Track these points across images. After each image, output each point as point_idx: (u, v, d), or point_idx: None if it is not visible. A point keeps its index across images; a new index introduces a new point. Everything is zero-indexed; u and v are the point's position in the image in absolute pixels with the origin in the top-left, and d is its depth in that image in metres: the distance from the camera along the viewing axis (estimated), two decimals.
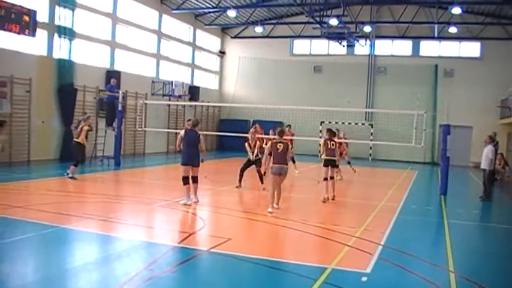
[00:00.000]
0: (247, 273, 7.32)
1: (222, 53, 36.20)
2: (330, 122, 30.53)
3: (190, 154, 12.24)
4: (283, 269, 7.29)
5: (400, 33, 32.16)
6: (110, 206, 11.90)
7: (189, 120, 13.05)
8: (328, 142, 13.70)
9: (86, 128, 15.72)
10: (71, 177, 15.21)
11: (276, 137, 12.21)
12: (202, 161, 12.45)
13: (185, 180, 12.20)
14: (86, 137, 15.78)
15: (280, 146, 11.76)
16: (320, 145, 13.24)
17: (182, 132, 12.52)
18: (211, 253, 7.93)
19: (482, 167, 15.84)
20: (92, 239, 8.79)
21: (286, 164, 11.90)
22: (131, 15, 26.14)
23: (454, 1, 24.96)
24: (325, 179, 13.53)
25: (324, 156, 13.67)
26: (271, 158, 12.03)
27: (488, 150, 15.59)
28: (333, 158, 13.66)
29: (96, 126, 21.95)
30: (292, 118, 27.89)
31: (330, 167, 13.63)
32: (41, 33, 19.59)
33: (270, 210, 11.37)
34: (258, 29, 32.71)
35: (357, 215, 12.46)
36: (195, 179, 12.38)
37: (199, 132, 12.53)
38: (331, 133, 14.06)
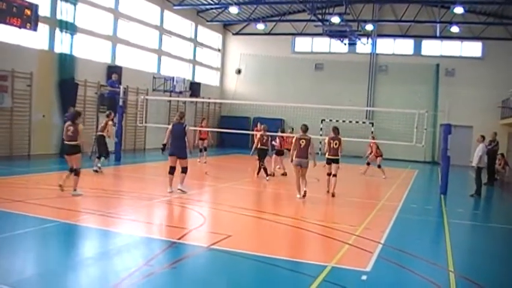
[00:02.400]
0: (246, 270, 7.32)
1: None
2: (330, 120, 30.51)
3: (176, 146, 13.01)
4: (283, 266, 7.27)
5: (402, 32, 32.13)
6: (109, 201, 11.89)
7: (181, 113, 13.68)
8: (331, 142, 14.57)
9: (110, 123, 16.75)
10: (95, 171, 15.91)
11: (301, 133, 13.38)
12: (191, 153, 13.44)
13: (171, 170, 13.08)
14: (108, 131, 16.63)
15: (303, 142, 13.11)
16: (325, 143, 15.07)
17: (170, 126, 13.30)
18: (211, 249, 7.92)
19: (474, 164, 16.17)
20: (91, 234, 8.79)
21: (306, 158, 13.14)
22: (133, 11, 26.12)
23: (456, 0, 24.92)
24: (328, 174, 14.67)
25: (326, 155, 14.73)
26: (294, 152, 13.26)
27: (478, 148, 15.85)
28: (334, 157, 14.59)
29: (96, 121, 21.98)
30: (292, 115, 27.90)
31: (332, 164, 14.59)
32: (43, 28, 19.55)
33: (298, 196, 13.06)
34: (260, 26, 32.69)
35: (357, 213, 12.46)
36: (184, 170, 13.06)
37: (186, 124, 13.28)
38: (335, 131, 14.88)
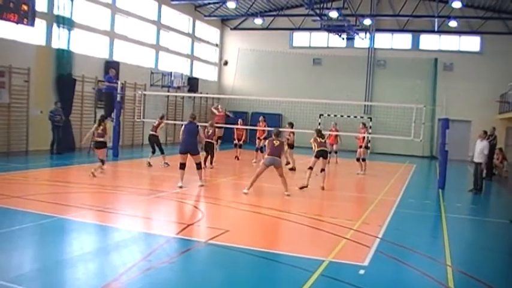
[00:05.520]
0: (244, 264, 7.33)
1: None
2: (328, 115, 30.58)
3: (188, 143, 13.51)
4: (281, 261, 7.29)
5: (400, 26, 32.07)
6: (107, 196, 11.90)
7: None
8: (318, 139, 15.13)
9: (162, 124, 18.33)
10: (165, 163, 17.41)
11: (273, 136, 13.44)
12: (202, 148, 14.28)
13: (181, 166, 13.44)
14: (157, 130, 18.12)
15: (276, 142, 13.15)
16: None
17: (182, 127, 13.97)
18: (209, 244, 7.93)
19: (476, 160, 15.83)
20: (89, 230, 8.78)
21: (279, 157, 13.15)
22: (130, 6, 26.03)
23: None
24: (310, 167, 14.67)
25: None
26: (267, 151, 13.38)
27: (484, 145, 15.64)
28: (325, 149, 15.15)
29: (94, 117, 21.94)
30: (291, 110, 27.88)
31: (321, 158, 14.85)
32: (40, 23, 19.49)
33: (245, 191, 12.86)
34: (258, 21, 32.63)
35: (355, 208, 12.50)
36: (198, 166, 13.62)
37: (198, 125, 13.93)
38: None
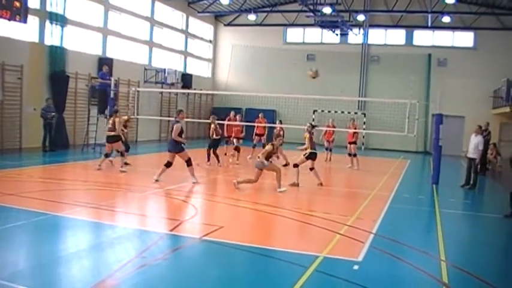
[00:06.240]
0: (238, 260, 7.34)
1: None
2: (322, 111, 30.60)
3: (170, 142, 13.71)
4: (275, 256, 7.30)
5: (393, 22, 32.13)
6: (101, 193, 11.88)
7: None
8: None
9: (125, 118, 17.09)
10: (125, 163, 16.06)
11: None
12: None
13: (167, 163, 13.44)
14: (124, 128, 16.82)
15: (266, 145, 13.37)
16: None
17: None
18: (203, 241, 7.94)
19: (471, 156, 15.82)
20: (84, 227, 8.76)
21: (266, 160, 13.09)
22: (123, 2, 25.94)
23: None
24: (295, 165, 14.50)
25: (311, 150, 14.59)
26: None
27: (478, 140, 15.64)
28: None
29: (88, 113, 21.86)
30: (285, 106, 27.86)
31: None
32: (33, 20, 19.38)
33: (235, 182, 13.07)
34: (251, 17, 32.61)
35: (349, 203, 12.52)
36: (188, 163, 13.57)
37: (175, 122, 13.58)
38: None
